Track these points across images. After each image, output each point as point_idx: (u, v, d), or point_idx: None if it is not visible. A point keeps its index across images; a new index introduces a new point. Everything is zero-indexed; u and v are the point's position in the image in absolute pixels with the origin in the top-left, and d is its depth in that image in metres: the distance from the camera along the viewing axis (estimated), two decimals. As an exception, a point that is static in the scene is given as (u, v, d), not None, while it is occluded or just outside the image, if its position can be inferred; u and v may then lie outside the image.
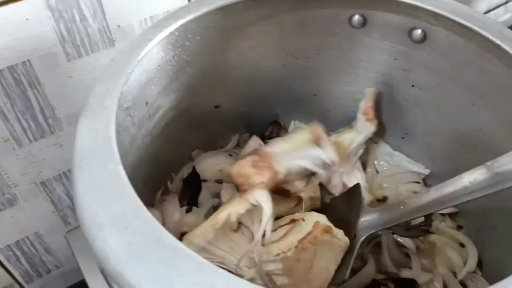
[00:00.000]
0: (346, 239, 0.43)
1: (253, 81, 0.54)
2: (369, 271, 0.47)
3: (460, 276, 0.48)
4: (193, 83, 0.49)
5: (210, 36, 0.48)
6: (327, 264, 0.42)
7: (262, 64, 0.53)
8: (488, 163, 0.37)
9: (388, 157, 0.60)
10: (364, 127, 0.52)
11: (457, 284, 0.48)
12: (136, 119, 0.43)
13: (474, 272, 0.49)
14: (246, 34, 0.50)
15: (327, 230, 0.42)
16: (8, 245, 0.65)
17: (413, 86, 0.51)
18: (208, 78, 0.50)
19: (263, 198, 0.43)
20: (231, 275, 0.25)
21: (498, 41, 0.39)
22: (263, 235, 0.42)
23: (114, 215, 0.28)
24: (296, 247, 0.41)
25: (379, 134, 0.60)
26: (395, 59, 0.50)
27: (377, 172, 0.59)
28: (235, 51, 0.51)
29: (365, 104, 0.52)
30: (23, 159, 0.57)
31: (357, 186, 0.49)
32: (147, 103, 0.45)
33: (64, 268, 0.75)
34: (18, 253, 0.67)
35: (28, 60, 0.50)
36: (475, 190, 0.38)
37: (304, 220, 0.45)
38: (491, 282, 0.27)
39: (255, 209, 0.43)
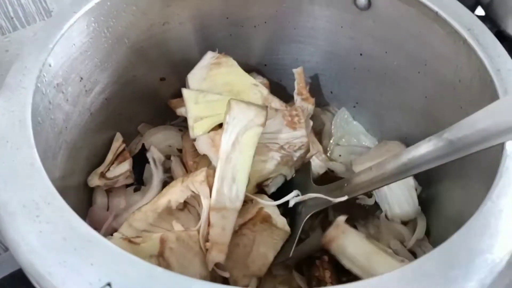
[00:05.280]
0: (287, 228, 0.42)
1: (199, 52, 0.52)
2: (314, 240, 0.46)
3: (410, 244, 0.48)
4: (133, 55, 0.47)
5: (148, 5, 0.45)
6: (266, 250, 0.42)
7: (207, 34, 0.52)
8: (439, 133, 0.36)
9: (346, 125, 0.59)
10: (303, 107, 0.51)
11: (406, 252, 0.48)
12: (69, 96, 0.42)
13: (422, 239, 0.49)
14: (188, 3, 0.48)
15: (266, 219, 0.41)
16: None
17: (361, 54, 0.50)
18: (149, 50, 0.48)
19: (202, 191, 0.42)
20: (143, 261, 0.24)
21: (436, 8, 0.38)
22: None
23: (26, 202, 0.27)
24: (236, 232, 0.41)
25: (333, 103, 0.60)
26: (341, 27, 0.48)
27: (334, 142, 0.59)
28: (177, 21, 0.49)
29: (297, 85, 0.51)
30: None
31: (307, 164, 0.48)
32: (81, 78, 0.43)
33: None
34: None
35: (-42, 36, 0.47)
36: (416, 165, 0.37)
37: (252, 202, 0.44)
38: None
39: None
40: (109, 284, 0.24)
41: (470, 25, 0.38)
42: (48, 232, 0.26)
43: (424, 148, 0.35)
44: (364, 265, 0.42)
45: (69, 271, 0.24)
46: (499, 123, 0.29)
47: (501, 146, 0.30)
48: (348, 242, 0.43)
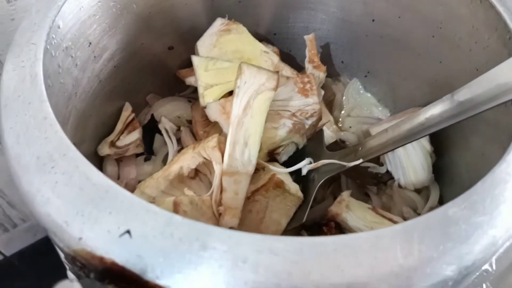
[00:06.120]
0: (299, 194, 0.42)
1: (208, 21, 0.51)
2: (324, 207, 0.46)
3: (424, 212, 0.48)
4: (141, 22, 0.46)
5: (157, -31, 0.44)
6: (279, 217, 0.42)
7: (216, 0, 0.51)
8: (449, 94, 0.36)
9: (357, 96, 0.58)
10: (315, 75, 0.50)
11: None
12: (78, 61, 0.41)
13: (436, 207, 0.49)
14: (197, -32, 0.47)
15: (278, 185, 0.41)
16: (-33, 202, 0.63)
17: (373, 20, 0.49)
18: (157, 16, 0.48)
19: (214, 156, 0.41)
20: (161, 210, 0.24)
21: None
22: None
23: (40, 155, 0.26)
24: (248, 198, 0.40)
25: (344, 74, 0.59)
26: (354, -8, 0.48)
27: (346, 113, 0.58)
28: (186, -14, 0.48)
29: (309, 52, 0.50)
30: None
31: (320, 131, 0.48)
32: (90, 43, 0.42)
33: (31, 222, 0.73)
34: (-20, 209, 0.65)
35: (-37, 4, 0.46)
36: (433, 123, 0.36)
37: (264, 170, 0.44)
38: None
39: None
40: (128, 231, 0.23)
41: (488, -19, 0.37)
42: (64, 183, 0.25)
43: (441, 106, 0.34)
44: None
45: (86, 220, 0.24)
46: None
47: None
48: (351, 216, 0.42)
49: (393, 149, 0.40)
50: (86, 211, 0.24)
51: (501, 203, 0.24)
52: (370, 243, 0.22)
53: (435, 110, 0.35)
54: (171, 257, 0.22)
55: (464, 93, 0.34)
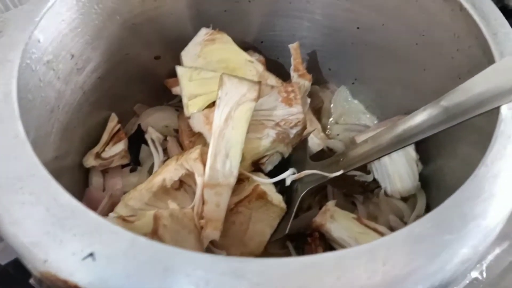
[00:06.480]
0: (282, 205, 0.42)
1: (194, 30, 0.51)
2: (309, 217, 0.45)
3: (410, 220, 0.48)
4: (125, 33, 0.46)
5: (139, -20, 0.44)
6: (262, 228, 0.42)
7: (202, 10, 0.50)
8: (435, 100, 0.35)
9: (345, 104, 0.58)
10: (300, 84, 0.50)
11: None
12: (61, 73, 0.41)
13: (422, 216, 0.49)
14: (180, -22, 0.47)
15: (261, 196, 0.41)
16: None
17: (358, 28, 0.49)
18: (141, 26, 0.48)
19: (196, 168, 0.41)
20: (125, 231, 0.24)
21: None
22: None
23: (9, 175, 0.26)
24: (231, 210, 0.40)
25: (332, 81, 0.59)
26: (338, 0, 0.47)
27: (334, 121, 0.58)
28: (170, -4, 0.48)
29: (294, 61, 0.50)
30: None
31: (305, 140, 0.48)
32: (72, 55, 0.42)
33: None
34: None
35: None
36: (412, 134, 0.36)
37: (248, 181, 0.44)
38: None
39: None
40: (91, 254, 0.23)
41: (466, -10, 0.36)
42: (31, 203, 0.25)
43: (420, 117, 0.34)
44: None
45: (51, 241, 0.24)
46: (495, 87, 0.28)
47: (497, 110, 0.29)
48: (335, 227, 0.42)
49: (376, 159, 0.39)
50: (52, 233, 0.24)
51: (470, 221, 0.24)
52: (334, 264, 0.22)
53: (413, 121, 0.34)
54: (133, 281, 0.22)
55: (443, 103, 0.33)
